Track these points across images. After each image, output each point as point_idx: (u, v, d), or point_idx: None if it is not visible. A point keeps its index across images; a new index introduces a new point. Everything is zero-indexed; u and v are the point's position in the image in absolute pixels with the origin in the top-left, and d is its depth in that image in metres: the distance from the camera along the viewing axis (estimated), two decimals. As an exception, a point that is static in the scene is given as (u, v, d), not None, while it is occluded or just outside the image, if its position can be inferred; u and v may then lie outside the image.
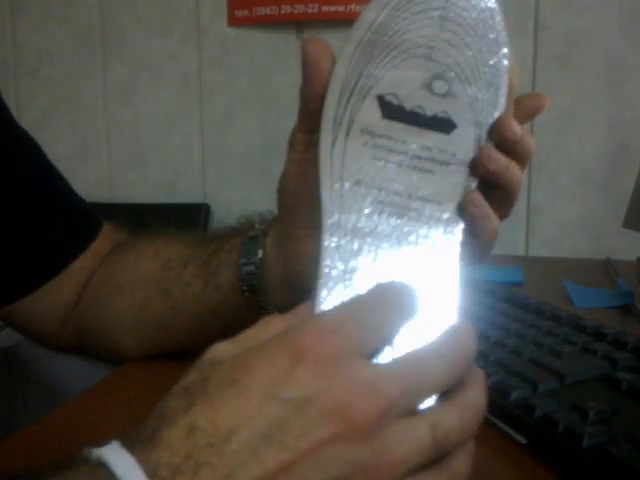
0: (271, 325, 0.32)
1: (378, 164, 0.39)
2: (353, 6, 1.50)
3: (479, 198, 0.40)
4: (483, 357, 0.55)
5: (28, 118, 1.76)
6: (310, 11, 1.53)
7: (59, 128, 1.78)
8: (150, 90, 1.72)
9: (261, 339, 0.31)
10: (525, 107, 0.45)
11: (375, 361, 0.32)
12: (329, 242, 0.37)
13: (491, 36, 0.40)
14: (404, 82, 0.39)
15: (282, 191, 0.51)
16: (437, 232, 0.39)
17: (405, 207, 0.39)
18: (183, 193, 1.72)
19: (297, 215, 0.50)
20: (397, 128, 0.39)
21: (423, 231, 0.38)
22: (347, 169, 0.38)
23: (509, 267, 1.01)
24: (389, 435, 0.29)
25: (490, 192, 0.41)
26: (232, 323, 0.55)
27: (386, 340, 0.32)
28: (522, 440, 0.46)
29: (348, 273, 0.36)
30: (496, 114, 0.41)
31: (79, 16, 1.74)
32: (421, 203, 0.39)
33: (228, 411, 0.28)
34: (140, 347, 0.62)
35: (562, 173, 1.44)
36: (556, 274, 0.97)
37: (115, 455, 0.27)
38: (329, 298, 0.35)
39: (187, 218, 1.62)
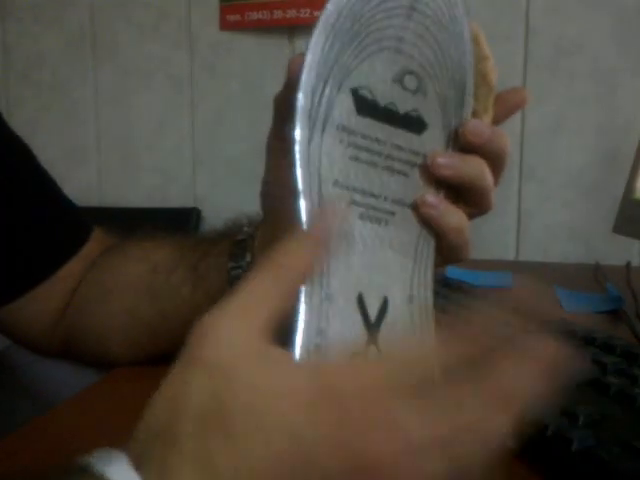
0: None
1: (354, 164, 0.38)
2: (344, 11, 1.50)
3: (429, 198, 0.39)
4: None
5: (18, 122, 1.74)
6: (302, 16, 1.54)
7: (49, 132, 1.77)
8: (141, 94, 1.72)
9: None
10: (506, 102, 0.45)
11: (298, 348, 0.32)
12: None
13: (456, 30, 0.40)
14: (376, 75, 0.39)
15: (265, 196, 0.52)
16: (412, 238, 0.38)
17: (382, 210, 0.38)
18: (174, 197, 1.71)
19: (282, 219, 0.50)
20: (370, 125, 0.38)
21: (398, 236, 0.38)
22: (324, 169, 0.37)
23: (499, 272, 1.01)
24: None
25: (459, 192, 0.41)
26: None
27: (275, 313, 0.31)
28: (511, 444, 0.46)
29: (328, 277, 0.35)
30: (464, 114, 0.40)
31: (70, 20, 1.73)
32: (397, 207, 0.39)
33: (248, 453, 0.26)
34: (129, 352, 0.61)
35: (552, 178, 1.45)
36: (546, 279, 0.97)
37: (121, 475, 0.26)
38: (313, 305, 0.35)
39: (178, 222, 1.61)
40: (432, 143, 0.40)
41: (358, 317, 0.36)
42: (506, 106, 0.45)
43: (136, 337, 0.61)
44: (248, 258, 0.55)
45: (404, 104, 0.39)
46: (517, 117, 1.43)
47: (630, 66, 1.38)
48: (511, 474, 0.44)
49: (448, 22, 0.40)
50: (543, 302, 0.35)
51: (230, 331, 0.30)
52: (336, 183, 0.37)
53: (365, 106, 0.38)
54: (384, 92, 0.39)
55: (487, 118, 0.43)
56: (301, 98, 0.37)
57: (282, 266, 0.32)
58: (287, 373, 0.30)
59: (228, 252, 0.56)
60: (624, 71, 1.39)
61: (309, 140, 0.37)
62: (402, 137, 0.39)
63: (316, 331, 0.34)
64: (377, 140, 0.38)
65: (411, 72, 0.39)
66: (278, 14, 1.56)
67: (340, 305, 0.35)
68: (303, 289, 0.34)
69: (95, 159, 1.77)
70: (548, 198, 1.45)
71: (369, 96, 0.38)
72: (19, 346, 0.69)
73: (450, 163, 0.40)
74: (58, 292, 0.64)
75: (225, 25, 1.63)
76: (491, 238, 1.48)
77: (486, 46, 0.42)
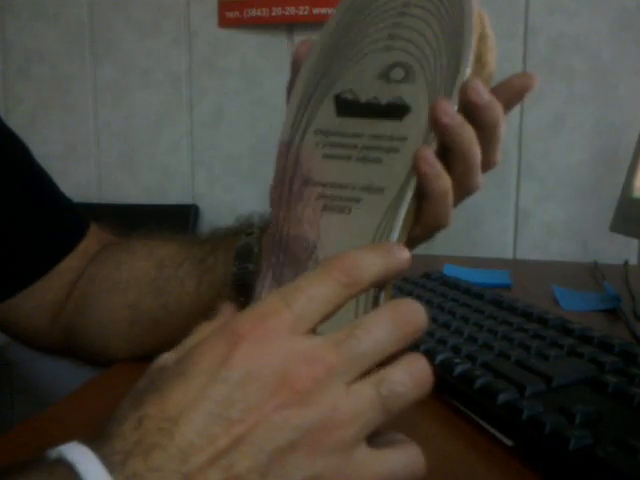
0: (205, 330, 0.34)
1: (327, 162, 0.40)
2: (344, 9, 1.50)
3: (431, 156, 0.39)
4: (470, 359, 0.55)
5: (17, 118, 1.75)
6: (301, 13, 1.54)
7: (48, 128, 1.77)
8: (140, 91, 1.71)
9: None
10: (513, 87, 0.44)
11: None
12: (274, 235, 0.39)
13: (455, 21, 0.40)
14: (362, 76, 0.40)
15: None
16: (373, 224, 0.39)
17: (346, 199, 0.39)
18: (172, 194, 1.71)
19: None
20: (350, 123, 0.40)
21: (359, 223, 0.39)
22: (298, 170, 0.40)
23: (497, 270, 1.01)
24: (333, 398, 0.30)
25: (448, 162, 0.41)
26: None
27: (321, 316, 0.32)
28: (509, 442, 0.46)
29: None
30: (456, 86, 0.40)
31: (69, 16, 1.73)
32: (364, 193, 0.39)
33: (176, 398, 0.29)
34: (129, 347, 0.61)
35: (550, 177, 1.45)
36: (544, 277, 0.98)
37: (70, 448, 0.28)
38: (266, 283, 0.37)
39: (176, 219, 1.61)
40: (415, 125, 0.40)
41: None
42: (513, 91, 0.44)
43: (137, 331, 0.61)
44: (256, 250, 0.55)
45: (387, 95, 0.40)
46: (516, 115, 1.43)
47: (629, 65, 1.39)
48: (508, 472, 0.44)
49: (444, 12, 0.40)
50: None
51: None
52: (307, 181, 0.40)
53: (345, 107, 0.40)
54: (367, 89, 0.40)
55: None
56: (287, 110, 0.41)
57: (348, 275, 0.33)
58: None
59: (236, 247, 0.56)
60: (623, 70, 1.39)
61: (288, 146, 0.41)
62: (381, 126, 0.40)
63: None
64: (354, 135, 0.40)
65: (399, 64, 0.40)
66: (277, 11, 1.56)
67: None
68: (261, 280, 0.37)
69: (94, 155, 1.77)
70: (546, 196, 1.46)
71: (350, 97, 0.40)
72: (17, 343, 0.69)
73: (451, 111, 0.39)
74: (56, 288, 0.64)
75: (224, 22, 1.63)
76: (489, 236, 1.48)
77: (487, 25, 0.41)
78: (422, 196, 0.40)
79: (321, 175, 0.39)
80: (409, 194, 0.39)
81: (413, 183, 0.39)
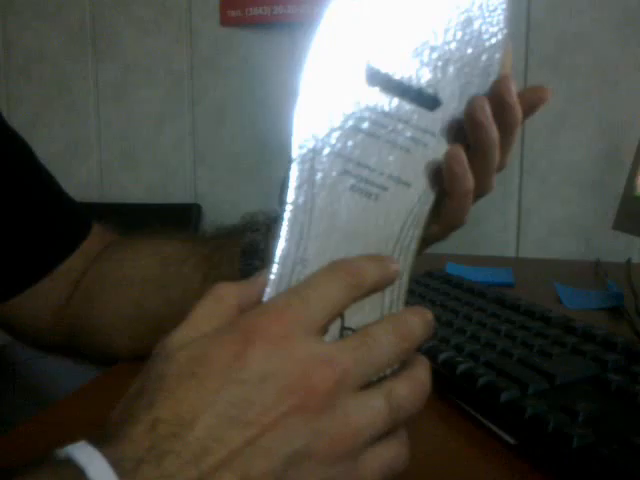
0: (224, 299, 0.33)
1: (355, 135, 0.37)
2: (345, 7, 1.50)
3: (462, 155, 0.39)
4: (473, 358, 0.55)
5: (19, 117, 1.75)
6: (303, 12, 1.53)
7: (50, 127, 1.77)
8: (142, 90, 1.72)
9: (213, 319, 0.32)
10: (528, 100, 0.45)
11: (328, 337, 0.33)
12: (295, 207, 0.36)
13: (492, 16, 0.40)
14: (395, 48, 0.38)
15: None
16: (400, 216, 0.38)
17: (374, 184, 0.37)
18: (174, 193, 1.71)
19: None
20: (380, 97, 0.38)
21: (383, 217, 0.37)
22: (321, 135, 0.37)
23: (500, 268, 1.01)
24: (348, 405, 0.30)
25: (469, 158, 0.41)
26: None
27: (335, 315, 0.33)
28: (512, 441, 0.46)
29: (310, 241, 0.36)
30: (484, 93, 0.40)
31: (70, 15, 1.73)
32: (392, 182, 0.38)
33: (190, 402, 0.28)
34: (133, 344, 0.61)
35: (553, 174, 1.45)
36: (546, 275, 0.97)
37: (80, 450, 0.28)
38: (286, 266, 0.35)
39: (178, 218, 1.62)
40: (443, 122, 0.39)
41: None
42: (527, 104, 0.44)
43: (141, 329, 0.61)
44: (262, 247, 0.55)
45: (420, 79, 0.38)
46: (518, 113, 1.43)
47: (631, 62, 1.38)
48: (512, 470, 0.44)
49: (485, 7, 0.39)
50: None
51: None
52: (332, 151, 0.37)
53: (376, 77, 0.38)
54: (400, 65, 0.38)
55: None
56: (306, 78, 0.37)
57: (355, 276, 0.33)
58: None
59: (243, 244, 0.56)
60: (625, 67, 1.39)
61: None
62: (412, 112, 0.38)
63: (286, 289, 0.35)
64: (384, 113, 0.38)
65: (434, 48, 0.39)
66: (279, 10, 1.56)
67: (313, 270, 0.35)
68: (278, 251, 0.35)
69: (96, 154, 1.77)
70: (549, 195, 1.46)
71: (382, 68, 0.38)
72: (20, 342, 0.69)
73: (488, 109, 0.40)
74: (59, 287, 0.64)
75: (226, 21, 1.62)
76: (492, 235, 1.48)
77: (509, 64, 0.42)
78: (446, 194, 0.40)
79: (347, 149, 0.37)
80: (432, 197, 0.38)
81: (437, 185, 0.39)
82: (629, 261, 1.05)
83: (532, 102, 0.45)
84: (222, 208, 1.67)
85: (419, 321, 0.34)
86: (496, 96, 0.40)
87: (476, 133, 0.40)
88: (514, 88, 0.41)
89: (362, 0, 0.38)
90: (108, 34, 1.72)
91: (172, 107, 1.70)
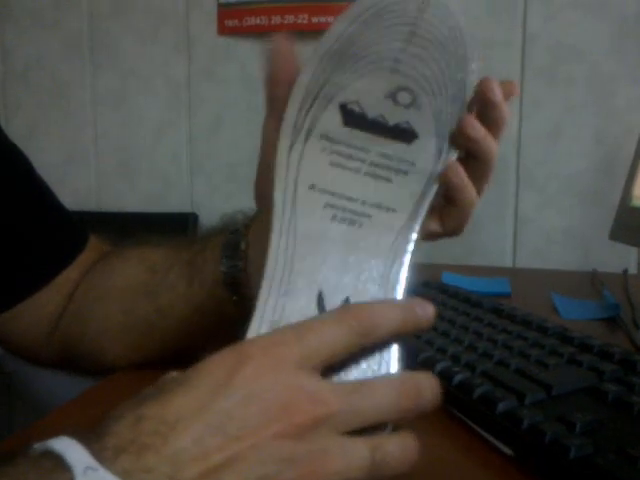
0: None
1: (334, 170, 0.39)
2: (343, 17, 1.50)
3: (459, 169, 0.42)
4: (470, 368, 0.55)
5: (16, 126, 1.75)
6: (300, 22, 1.54)
7: (47, 136, 1.77)
8: (139, 98, 1.72)
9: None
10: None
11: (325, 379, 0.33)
12: (277, 243, 0.38)
13: (460, 52, 0.41)
14: (368, 91, 0.40)
15: (257, 182, 0.53)
16: (387, 241, 0.39)
17: (357, 213, 0.39)
18: (171, 202, 1.71)
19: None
20: (357, 136, 0.40)
21: (373, 239, 0.39)
22: (302, 173, 0.39)
23: (496, 278, 1.01)
24: (328, 444, 0.30)
25: (467, 166, 0.43)
26: (217, 322, 0.56)
27: (330, 359, 0.33)
28: (508, 452, 0.46)
29: (293, 275, 0.37)
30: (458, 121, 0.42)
31: (68, 23, 1.73)
32: (375, 210, 0.39)
33: (176, 405, 0.29)
34: (126, 353, 0.61)
35: (549, 185, 1.45)
36: (543, 285, 0.98)
37: (59, 441, 0.29)
38: (270, 300, 0.36)
39: (175, 227, 1.61)
40: (423, 152, 0.41)
41: (315, 314, 0.37)
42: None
43: (133, 337, 0.61)
44: (242, 247, 0.55)
45: (394, 117, 0.40)
46: (514, 123, 1.43)
47: (627, 73, 1.39)
48: (508, 481, 0.44)
49: (450, 44, 0.41)
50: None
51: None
52: (312, 186, 0.39)
53: (352, 118, 0.40)
54: (374, 106, 0.40)
55: None
56: (288, 111, 0.40)
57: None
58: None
59: (223, 245, 0.56)
60: (621, 78, 1.39)
61: (290, 147, 0.39)
62: (390, 146, 0.40)
63: (269, 323, 0.36)
64: (362, 148, 0.40)
65: (405, 89, 0.40)
66: (276, 19, 1.56)
67: (300, 302, 0.36)
68: (263, 281, 0.36)
69: (93, 163, 1.77)
70: (545, 205, 1.46)
71: (357, 109, 0.40)
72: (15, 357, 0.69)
73: (478, 126, 0.42)
74: (54, 300, 0.64)
75: (223, 30, 1.63)
76: (488, 244, 1.48)
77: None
78: (450, 203, 0.44)
79: (329, 183, 0.39)
80: (422, 217, 0.40)
81: (426, 206, 0.40)
82: (626, 271, 1.05)
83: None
84: (219, 217, 1.66)
85: (430, 385, 0.34)
86: (480, 98, 0.42)
87: (472, 145, 0.43)
88: (497, 87, 0.42)
89: (328, 40, 0.41)
90: (106, 43, 1.72)
91: (169, 116, 1.70)
